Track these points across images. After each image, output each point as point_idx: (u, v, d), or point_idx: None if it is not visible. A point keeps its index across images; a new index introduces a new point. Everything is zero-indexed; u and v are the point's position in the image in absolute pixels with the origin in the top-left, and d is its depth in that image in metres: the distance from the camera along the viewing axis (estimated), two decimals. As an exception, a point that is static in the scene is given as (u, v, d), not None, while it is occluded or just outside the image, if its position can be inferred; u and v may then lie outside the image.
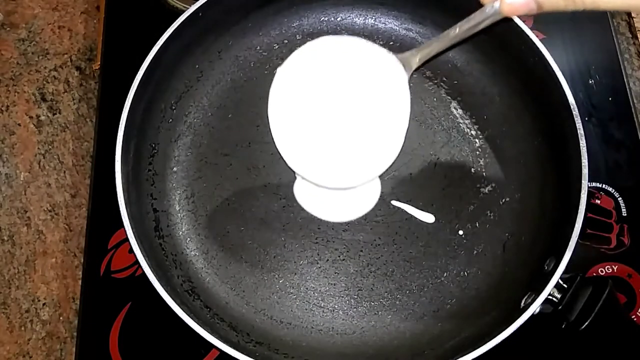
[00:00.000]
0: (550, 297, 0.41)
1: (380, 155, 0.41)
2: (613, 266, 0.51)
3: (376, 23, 0.54)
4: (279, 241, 0.50)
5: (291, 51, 0.53)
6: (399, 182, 0.51)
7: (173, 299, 0.41)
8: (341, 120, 0.40)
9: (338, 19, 0.54)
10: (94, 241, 0.52)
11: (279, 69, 0.41)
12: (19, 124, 0.59)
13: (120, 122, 0.45)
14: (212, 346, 0.40)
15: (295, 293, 0.48)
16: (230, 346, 0.40)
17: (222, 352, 0.40)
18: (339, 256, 0.49)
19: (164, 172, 0.51)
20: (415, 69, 0.41)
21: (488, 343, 0.39)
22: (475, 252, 0.49)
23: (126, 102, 0.45)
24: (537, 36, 0.45)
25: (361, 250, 0.49)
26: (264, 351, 0.45)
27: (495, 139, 0.51)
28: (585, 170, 0.43)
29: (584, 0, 0.28)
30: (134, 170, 0.47)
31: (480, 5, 0.36)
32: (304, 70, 0.40)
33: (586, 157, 0.43)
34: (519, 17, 0.43)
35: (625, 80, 0.57)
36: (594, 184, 0.54)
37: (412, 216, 0.50)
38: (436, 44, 0.40)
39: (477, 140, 0.52)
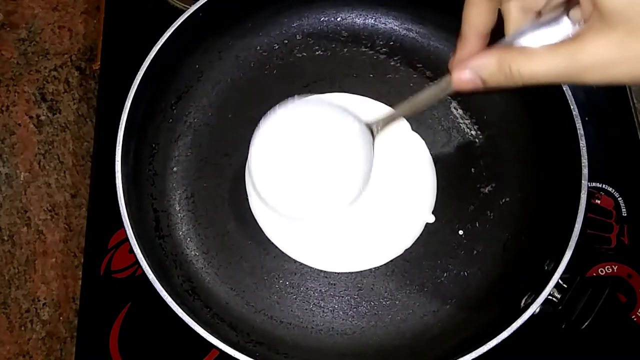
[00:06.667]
0: (550, 297, 0.41)
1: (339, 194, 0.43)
2: (613, 266, 0.51)
3: (376, 23, 0.54)
4: (279, 241, 0.50)
5: (291, 51, 0.53)
6: (399, 182, 0.51)
7: (173, 299, 0.41)
8: (311, 167, 0.43)
9: (338, 19, 0.54)
10: (94, 241, 0.52)
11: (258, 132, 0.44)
12: (19, 124, 0.59)
13: (120, 122, 0.45)
14: (212, 346, 0.40)
15: (295, 293, 0.48)
16: (230, 346, 0.40)
17: (222, 352, 0.40)
18: (339, 256, 0.49)
19: (164, 172, 0.51)
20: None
21: (488, 343, 0.39)
22: (475, 252, 0.49)
23: (126, 102, 0.45)
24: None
25: (361, 250, 0.49)
26: (264, 351, 0.45)
27: (495, 139, 0.51)
28: (585, 170, 0.43)
29: (521, 75, 0.29)
30: (134, 170, 0.47)
31: None
32: (279, 133, 0.43)
33: (586, 157, 0.43)
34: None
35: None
36: (594, 184, 0.54)
37: (412, 216, 0.50)
38: (395, 113, 0.41)
39: (477, 140, 0.52)
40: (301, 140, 0.42)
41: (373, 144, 0.42)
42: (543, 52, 0.29)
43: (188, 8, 0.47)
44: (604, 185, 0.54)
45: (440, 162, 0.51)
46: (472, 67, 0.31)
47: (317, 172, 0.42)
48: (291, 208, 0.43)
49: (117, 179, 0.44)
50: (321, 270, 0.49)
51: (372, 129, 0.42)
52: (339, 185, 0.42)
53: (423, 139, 0.52)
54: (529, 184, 0.49)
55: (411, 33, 0.54)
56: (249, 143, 0.51)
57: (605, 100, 0.56)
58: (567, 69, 0.28)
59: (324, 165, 0.42)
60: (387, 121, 0.42)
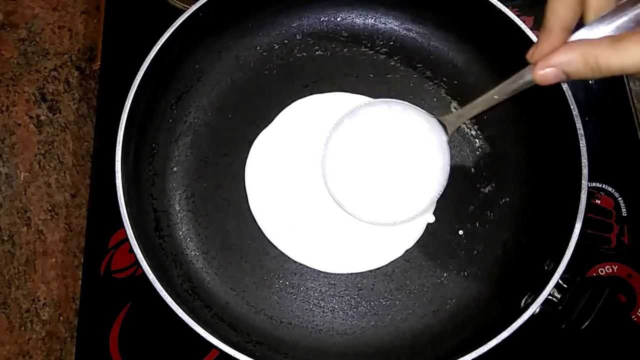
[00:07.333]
0: (550, 297, 0.41)
1: (415, 200, 0.45)
2: (613, 266, 0.51)
3: (376, 23, 0.54)
4: (279, 241, 0.49)
5: (291, 51, 0.54)
6: (399, 182, 0.51)
7: (173, 299, 0.41)
8: (384, 168, 0.45)
9: (338, 19, 0.54)
10: (94, 241, 0.52)
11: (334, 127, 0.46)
12: (19, 124, 0.59)
13: (120, 122, 0.45)
14: (212, 346, 0.40)
15: (295, 293, 0.48)
16: (230, 346, 0.40)
17: (222, 352, 0.40)
18: (339, 256, 0.49)
19: (164, 172, 0.51)
20: (456, 129, 0.46)
21: (488, 343, 0.39)
22: (475, 252, 0.49)
23: (126, 102, 0.45)
24: (537, 37, 0.45)
25: (361, 250, 0.49)
26: (264, 351, 0.45)
27: (495, 139, 0.51)
28: (585, 170, 0.43)
29: (609, 66, 0.29)
30: (134, 170, 0.47)
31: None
32: (354, 129, 0.46)
33: (586, 157, 0.43)
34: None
35: (625, 80, 0.57)
36: (594, 184, 0.54)
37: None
38: (474, 109, 0.42)
39: (477, 140, 0.52)
40: (378, 145, 0.44)
41: (447, 142, 0.44)
42: (631, 44, 0.28)
43: (188, 8, 0.47)
44: (604, 185, 0.54)
45: (440, 162, 0.51)
46: (557, 64, 0.31)
47: (395, 176, 0.44)
48: (368, 213, 0.45)
49: (117, 179, 0.44)
50: (321, 271, 0.49)
51: (446, 127, 0.44)
52: (417, 189, 0.44)
53: (423, 139, 0.52)
54: (529, 184, 0.49)
55: (411, 33, 0.54)
56: (249, 143, 0.52)
57: (605, 100, 0.56)
58: None
59: (402, 170, 0.44)
60: (462, 117, 0.43)
